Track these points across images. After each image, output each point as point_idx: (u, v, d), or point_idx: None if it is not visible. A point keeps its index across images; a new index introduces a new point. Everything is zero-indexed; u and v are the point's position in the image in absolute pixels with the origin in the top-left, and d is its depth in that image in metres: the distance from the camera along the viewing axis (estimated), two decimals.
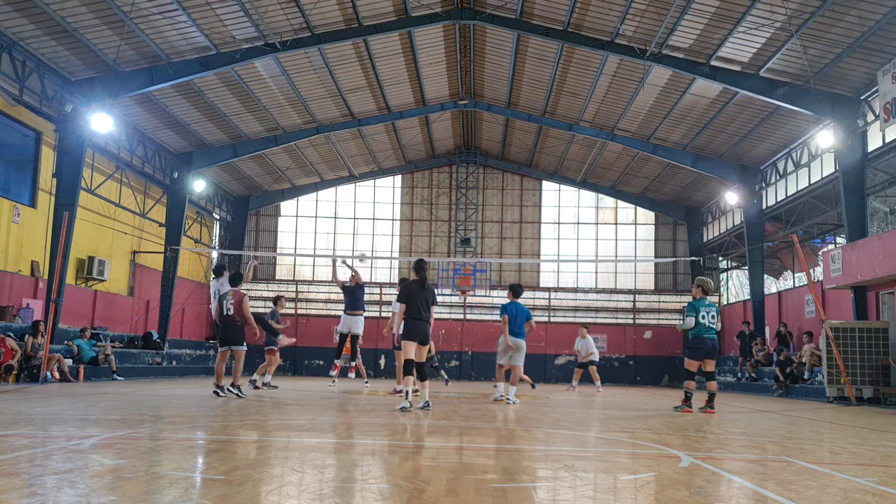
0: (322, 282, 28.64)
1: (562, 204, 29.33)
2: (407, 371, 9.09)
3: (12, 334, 14.67)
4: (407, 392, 8.91)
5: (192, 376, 21.72)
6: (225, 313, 10.94)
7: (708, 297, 10.66)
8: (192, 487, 3.53)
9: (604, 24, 17.13)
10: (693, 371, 10.63)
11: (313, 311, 28.16)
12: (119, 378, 16.95)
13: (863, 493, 3.75)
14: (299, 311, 28.45)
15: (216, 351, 26.00)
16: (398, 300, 9.73)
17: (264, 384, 14.15)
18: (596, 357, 19.34)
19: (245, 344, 11.12)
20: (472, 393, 15.03)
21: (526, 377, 17.81)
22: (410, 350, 9.14)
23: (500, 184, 29.55)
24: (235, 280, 11.34)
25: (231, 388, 10.97)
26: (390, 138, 26.40)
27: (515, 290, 11.84)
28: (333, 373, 14.45)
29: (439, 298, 9.99)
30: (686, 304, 10.74)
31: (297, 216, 29.58)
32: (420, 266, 9.41)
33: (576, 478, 4.15)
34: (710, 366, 10.54)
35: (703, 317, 10.48)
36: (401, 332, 13.32)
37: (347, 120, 23.41)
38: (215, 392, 10.97)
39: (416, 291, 9.26)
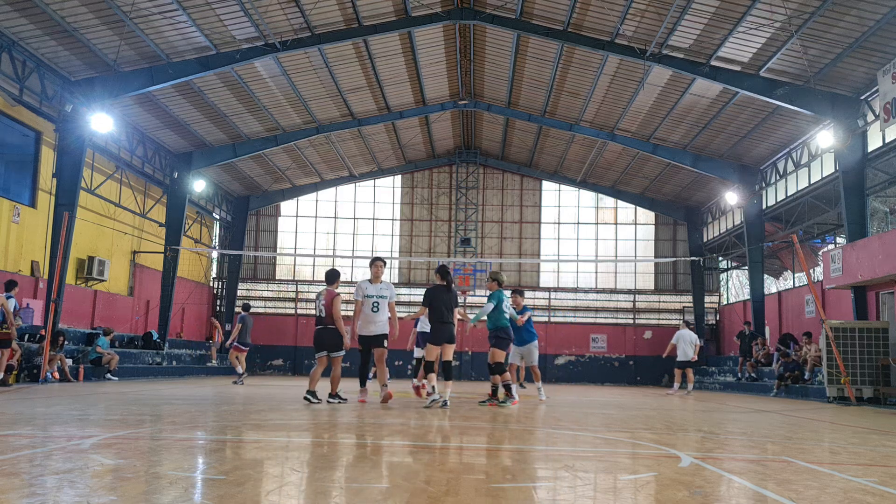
0: (322, 282, 28.60)
1: (562, 204, 29.34)
2: (428, 370, 9.68)
3: None
4: (433, 386, 9.54)
5: (191, 376, 21.71)
6: (318, 315, 10.26)
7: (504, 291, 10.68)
8: (192, 487, 3.53)
9: (604, 24, 17.12)
10: (503, 362, 10.52)
11: (313, 312, 28.09)
12: (113, 378, 16.89)
13: (863, 493, 3.75)
14: (299, 312, 28.45)
15: (218, 352, 26.09)
16: (423, 304, 9.99)
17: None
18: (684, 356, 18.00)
19: (343, 349, 10.10)
20: (472, 393, 15.02)
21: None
22: (433, 353, 9.72)
23: (500, 184, 29.55)
24: (330, 278, 10.50)
25: (330, 398, 10.00)
26: (390, 138, 26.39)
27: None
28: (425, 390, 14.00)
29: None
30: (489, 295, 10.66)
31: (297, 216, 29.58)
32: (444, 271, 9.93)
33: (576, 478, 4.15)
34: (502, 357, 10.56)
35: (506, 308, 10.59)
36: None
37: (347, 120, 23.41)
38: (306, 399, 9.92)
39: (440, 296, 9.72)
